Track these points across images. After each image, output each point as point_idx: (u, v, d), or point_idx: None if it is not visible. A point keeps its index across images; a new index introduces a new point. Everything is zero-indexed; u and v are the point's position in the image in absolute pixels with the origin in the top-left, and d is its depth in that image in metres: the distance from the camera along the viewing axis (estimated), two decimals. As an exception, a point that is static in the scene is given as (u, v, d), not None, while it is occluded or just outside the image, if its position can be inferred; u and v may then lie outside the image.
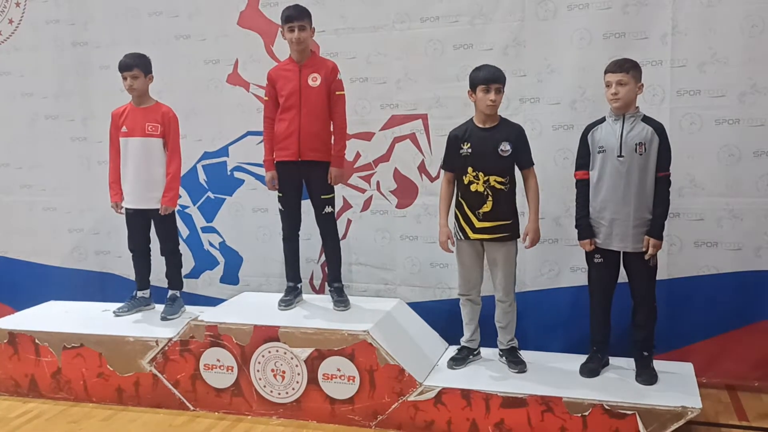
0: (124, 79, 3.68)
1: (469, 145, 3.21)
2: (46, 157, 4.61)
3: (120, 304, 3.90)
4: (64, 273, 4.67)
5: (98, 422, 3.40)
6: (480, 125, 3.22)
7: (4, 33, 4.61)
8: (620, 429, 2.89)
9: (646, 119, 3.06)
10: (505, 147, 3.17)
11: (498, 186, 3.18)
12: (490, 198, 3.18)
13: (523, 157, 3.22)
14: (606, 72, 3.06)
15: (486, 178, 3.17)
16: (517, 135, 3.21)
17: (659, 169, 3.02)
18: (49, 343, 3.63)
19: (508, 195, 3.21)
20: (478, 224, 3.21)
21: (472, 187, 3.20)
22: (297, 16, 3.40)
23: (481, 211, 3.20)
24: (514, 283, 3.31)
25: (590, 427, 2.93)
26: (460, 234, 3.27)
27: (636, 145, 3.01)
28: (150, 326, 3.68)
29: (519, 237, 3.26)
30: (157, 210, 3.73)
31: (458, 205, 3.28)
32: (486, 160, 3.18)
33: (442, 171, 3.35)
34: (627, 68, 3.00)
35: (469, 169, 3.20)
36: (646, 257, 3.04)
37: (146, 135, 3.69)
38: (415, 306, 3.86)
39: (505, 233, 3.21)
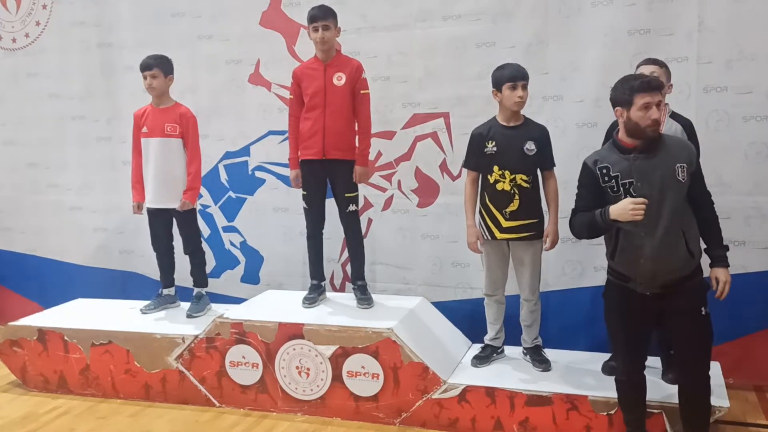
0: (144, 78, 3.72)
1: (494, 143, 3.19)
2: (72, 157, 4.69)
3: (146, 302, 3.95)
4: (89, 271, 4.74)
5: (126, 418, 3.45)
6: (504, 123, 3.21)
7: (31, 35, 4.69)
8: (647, 428, 2.86)
9: (675, 115, 3.04)
10: (531, 146, 3.16)
11: (524, 184, 3.16)
12: (516, 196, 3.16)
13: (545, 158, 3.20)
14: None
15: (512, 177, 3.15)
16: (541, 135, 3.20)
17: None
18: (78, 339, 3.69)
19: (533, 193, 3.20)
20: (505, 224, 3.19)
21: (498, 186, 3.18)
22: (321, 16, 3.42)
23: (508, 210, 3.18)
24: (539, 281, 3.30)
25: (616, 426, 2.92)
26: (487, 235, 3.25)
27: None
28: (176, 323, 3.72)
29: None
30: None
31: (484, 206, 3.26)
32: (512, 159, 3.16)
33: (465, 170, 3.32)
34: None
35: (495, 168, 3.18)
36: None
37: (165, 135, 3.73)
38: (436, 305, 3.85)
39: (531, 232, 3.19)
